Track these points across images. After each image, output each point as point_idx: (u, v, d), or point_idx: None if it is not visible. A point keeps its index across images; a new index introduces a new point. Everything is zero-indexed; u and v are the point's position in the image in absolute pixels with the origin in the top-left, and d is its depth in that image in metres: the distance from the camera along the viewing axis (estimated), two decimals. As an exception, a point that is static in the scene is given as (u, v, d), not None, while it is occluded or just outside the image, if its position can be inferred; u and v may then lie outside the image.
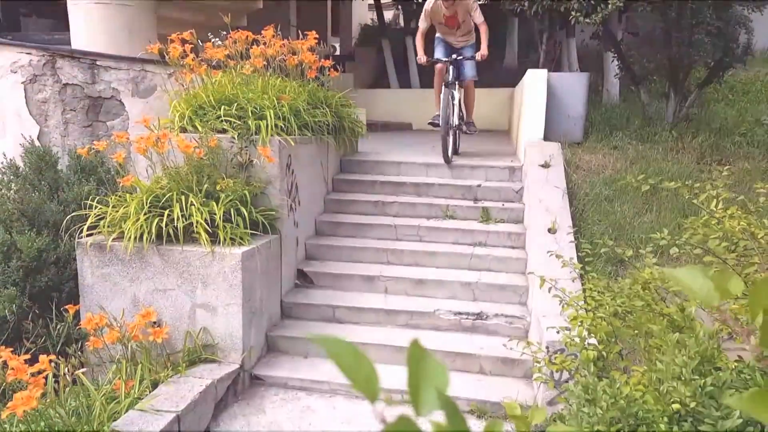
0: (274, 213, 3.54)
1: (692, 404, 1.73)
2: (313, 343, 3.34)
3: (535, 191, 4.17)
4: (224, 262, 3.07)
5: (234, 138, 3.51)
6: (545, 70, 5.39)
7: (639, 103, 6.71)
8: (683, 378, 1.89)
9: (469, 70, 5.29)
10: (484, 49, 5.08)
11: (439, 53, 5.41)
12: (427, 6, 5.15)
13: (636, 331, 2.48)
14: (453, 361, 3.22)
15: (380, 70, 11.62)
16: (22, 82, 4.66)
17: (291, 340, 3.46)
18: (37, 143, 4.40)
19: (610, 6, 5.28)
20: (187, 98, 3.81)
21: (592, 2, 5.46)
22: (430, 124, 5.40)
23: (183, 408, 2.56)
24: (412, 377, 0.48)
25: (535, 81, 5.24)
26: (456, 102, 5.11)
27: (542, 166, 4.50)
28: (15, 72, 4.68)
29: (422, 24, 5.28)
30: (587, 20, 5.59)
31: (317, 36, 4.36)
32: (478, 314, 3.48)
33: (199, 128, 3.54)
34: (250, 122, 3.57)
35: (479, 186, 4.65)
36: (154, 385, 2.74)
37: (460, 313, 3.48)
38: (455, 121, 5.09)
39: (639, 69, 6.75)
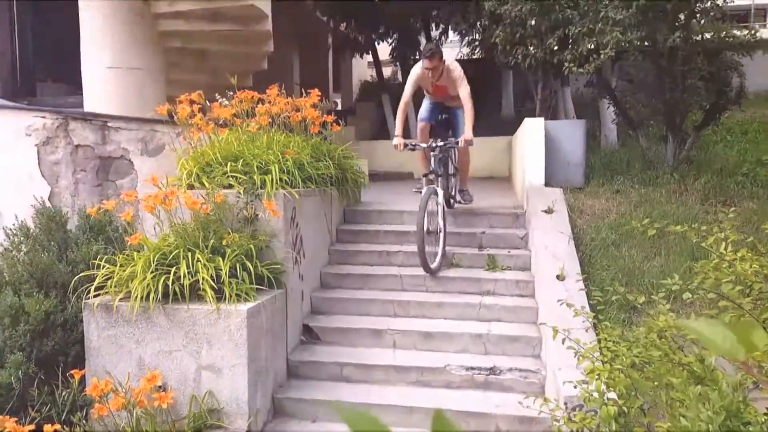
0: (279, 266, 3.50)
1: (723, 464, 1.62)
2: (326, 404, 3.21)
3: (541, 237, 4.13)
4: (230, 319, 3.00)
5: (240, 193, 3.52)
6: (542, 119, 5.46)
7: (638, 147, 6.75)
8: (710, 435, 1.78)
9: (460, 130, 4.71)
10: (467, 132, 4.42)
11: (424, 111, 4.91)
12: (414, 72, 4.62)
13: (656, 383, 2.37)
14: (467, 422, 3.06)
15: (380, 122, 11.89)
16: (35, 145, 4.75)
17: (298, 402, 3.31)
18: (48, 204, 4.42)
19: (602, 56, 5.41)
20: (195, 156, 3.86)
21: (584, 53, 5.60)
22: (416, 192, 4.53)
23: (187, 478, 2.42)
24: None
25: (532, 129, 5.30)
26: (439, 204, 4.22)
27: (546, 211, 4.47)
28: (29, 135, 4.78)
29: (407, 90, 4.64)
30: (581, 70, 5.71)
31: (320, 93, 4.47)
32: (491, 369, 3.34)
33: (206, 185, 3.56)
34: (255, 177, 3.60)
35: (483, 233, 4.60)
36: (159, 453, 2.61)
37: (472, 368, 3.35)
38: (440, 226, 4.20)
39: (635, 114, 6.84)
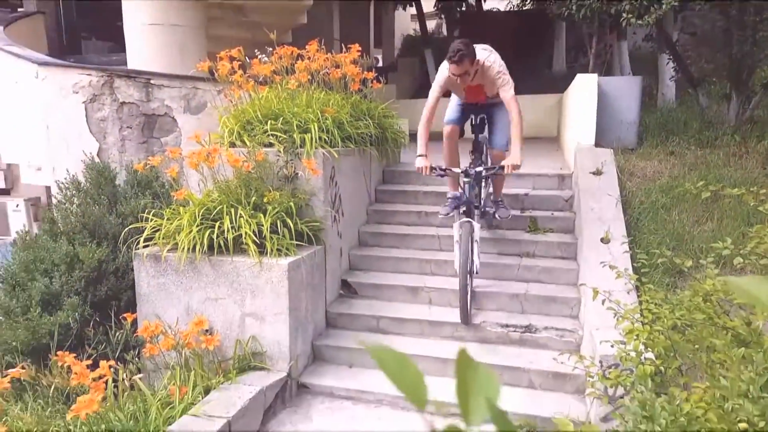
0: (318, 224, 3.65)
1: (761, 423, 1.66)
2: (362, 352, 3.41)
3: (587, 199, 4.10)
4: (271, 272, 3.19)
5: (280, 152, 3.65)
6: (595, 75, 5.30)
7: (697, 106, 6.46)
8: (750, 396, 1.82)
9: (500, 136, 3.85)
10: (515, 156, 3.45)
11: (452, 112, 3.99)
12: (441, 74, 3.69)
13: (697, 346, 2.40)
14: (500, 375, 3.19)
15: (423, 80, 11.72)
16: (82, 102, 5.01)
17: (336, 349, 3.54)
18: (96, 159, 4.70)
19: (664, 6, 5.14)
20: (236, 114, 3.99)
21: (645, 3, 5.33)
22: (443, 217, 3.94)
23: (234, 414, 2.66)
24: (461, 386, 0.47)
25: (584, 86, 5.17)
26: (476, 241, 3.55)
27: (594, 173, 4.41)
28: (76, 93, 5.04)
29: (432, 95, 3.68)
30: (639, 22, 5.46)
31: (360, 48, 4.47)
32: (527, 327, 3.44)
33: (247, 143, 3.70)
34: (295, 136, 3.71)
35: (526, 195, 4.60)
36: (207, 391, 2.86)
37: (507, 326, 3.46)
38: (476, 265, 3.54)
39: (697, 70, 6.52)
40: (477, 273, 3.56)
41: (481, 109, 3.95)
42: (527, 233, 4.27)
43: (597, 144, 5.03)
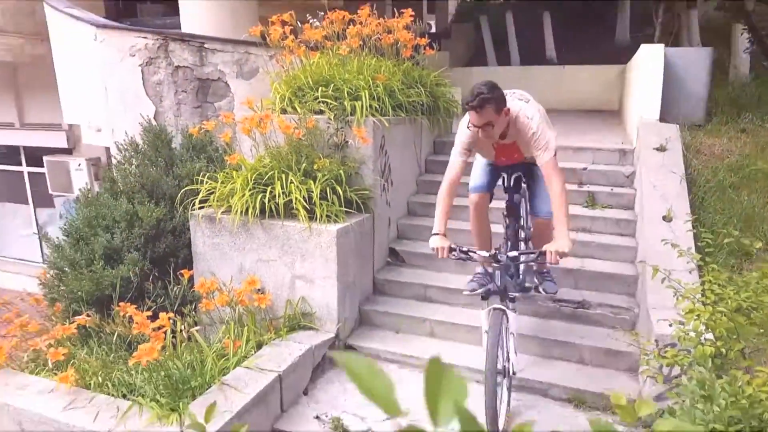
0: (367, 192, 3.71)
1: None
2: (410, 318, 3.50)
3: (649, 176, 3.99)
4: (321, 237, 3.29)
5: (330, 119, 3.71)
6: (661, 46, 5.07)
7: (775, 80, 6.09)
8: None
9: (545, 199, 2.93)
10: (562, 241, 2.60)
11: (479, 176, 3.19)
12: (462, 130, 2.91)
13: (762, 330, 2.34)
14: (551, 350, 3.23)
15: (477, 47, 11.47)
16: (139, 65, 5.20)
17: (383, 315, 3.64)
18: (153, 122, 4.90)
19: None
20: (287, 80, 4.07)
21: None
22: (468, 294, 3.02)
23: (285, 368, 2.81)
24: (430, 390, 0.50)
25: (649, 57, 4.96)
26: (513, 334, 2.81)
27: (657, 149, 4.27)
28: (133, 55, 5.23)
29: (454, 160, 2.91)
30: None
31: (413, 14, 4.43)
32: (580, 303, 3.44)
33: (298, 109, 3.78)
34: (345, 103, 3.76)
35: (585, 169, 4.52)
36: (259, 346, 3.03)
37: (560, 301, 3.46)
38: (510, 366, 2.79)
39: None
40: (515, 374, 2.84)
41: (515, 166, 3.05)
42: (585, 208, 4.22)
43: (662, 119, 4.85)
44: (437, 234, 2.82)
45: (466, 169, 2.99)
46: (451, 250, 2.77)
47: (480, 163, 3.23)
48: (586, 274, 3.62)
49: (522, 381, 3.03)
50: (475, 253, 2.82)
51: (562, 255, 2.60)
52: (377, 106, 3.86)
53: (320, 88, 3.84)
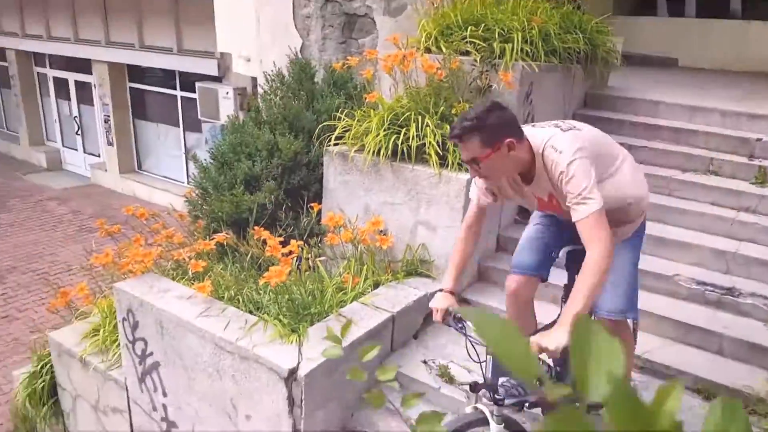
0: (504, 143, 3.60)
1: None
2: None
3: None
4: (449, 185, 3.29)
5: (476, 60, 3.61)
6: None
7: None
8: None
9: (611, 292, 2.14)
10: (556, 334, 1.83)
11: (527, 247, 2.40)
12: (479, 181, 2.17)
13: None
14: (686, 334, 3.01)
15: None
16: (291, -3, 5.45)
17: (502, 272, 3.57)
18: (299, 55, 5.17)
19: None
20: (436, 18, 4.00)
21: None
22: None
23: (398, 310, 2.95)
24: (579, 357, 0.43)
25: None
26: None
27: None
28: (286, -14, 5.48)
29: (472, 202, 2.28)
30: None
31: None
32: (729, 289, 3.13)
33: (443, 49, 3.71)
34: (495, 45, 3.62)
35: (759, 140, 3.97)
36: (376, 285, 3.19)
37: (704, 284, 3.17)
38: None
39: None
40: None
41: (568, 233, 2.15)
42: (752, 185, 3.74)
43: None
44: (442, 291, 2.22)
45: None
46: (447, 313, 2.14)
47: (530, 223, 2.45)
48: (740, 258, 3.27)
49: (646, 363, 2.87)
50: (516, 273, 2.32)
51: (544, 351, 1.82)
52: (529, 51, 3.70)
53: (470, 28, 3.74)
